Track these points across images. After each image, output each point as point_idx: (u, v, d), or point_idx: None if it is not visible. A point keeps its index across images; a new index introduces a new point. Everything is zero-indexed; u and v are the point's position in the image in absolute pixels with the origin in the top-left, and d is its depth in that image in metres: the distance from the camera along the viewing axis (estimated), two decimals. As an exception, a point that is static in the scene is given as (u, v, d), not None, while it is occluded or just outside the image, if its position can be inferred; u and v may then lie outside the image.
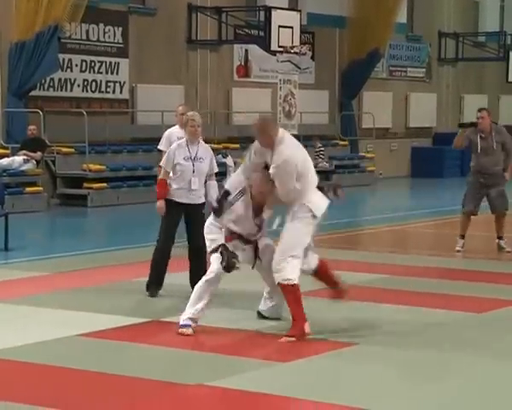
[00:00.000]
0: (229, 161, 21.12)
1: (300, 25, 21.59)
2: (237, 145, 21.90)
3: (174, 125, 12.88)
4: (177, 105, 13.85)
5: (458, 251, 12.23)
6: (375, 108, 26.29)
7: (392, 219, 16.34)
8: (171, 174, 8.97)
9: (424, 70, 29.05)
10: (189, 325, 7.46)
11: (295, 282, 7.18)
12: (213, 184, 9.12)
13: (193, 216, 8.97)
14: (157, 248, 9.15)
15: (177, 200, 8.95)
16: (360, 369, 6.64)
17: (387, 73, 27.73)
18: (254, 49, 22.90)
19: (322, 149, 23.71)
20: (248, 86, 23.42)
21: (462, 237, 12.27)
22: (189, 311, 7.48)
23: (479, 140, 12.02)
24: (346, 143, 25.48)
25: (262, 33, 21.41)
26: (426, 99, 28.35)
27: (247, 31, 22.73)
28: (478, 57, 29.25)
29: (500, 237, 12.35)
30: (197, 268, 8.82)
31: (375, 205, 21.09)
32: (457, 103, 30.32)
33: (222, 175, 21.17)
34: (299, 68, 24.57)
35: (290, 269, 7.16)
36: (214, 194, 8.83)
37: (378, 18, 24.69)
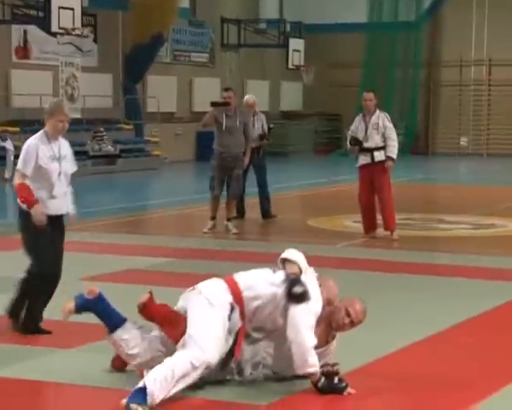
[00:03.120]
0: (8, 144, 20.52)
1: (82, 6, 21.21)
2: (17, 128, 21.26)
3: None
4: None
5: (205, 232, 12.52)
6: (160, 92, 26.29)
7: (177, 203, 16.41)
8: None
9: (207, 55, 29.36)
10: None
11: None
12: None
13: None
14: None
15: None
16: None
17: (171, 58, 27.80)
18: (34, 30, 22.30)
19: (103, 132, 23.14)
20: (28, 68, 22.77)
21: (213, 218, 12.64)
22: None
23: (224, 118, 12.40)
24: (131, 127, 25.30)
25: (42, 14, 20.86)
26: (209, 84, 28.66)
27: (25, 11, 22.05)
28: (259, 44, 29.91)
29: (229, 219, 12.77)
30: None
31: (159, 189, 21.09)
32: (240, 88, 30.80)
33: (1, 159, 20.73)
34: (82, 51, 24.16)
35: None
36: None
37: (161, 2, 24.64)
